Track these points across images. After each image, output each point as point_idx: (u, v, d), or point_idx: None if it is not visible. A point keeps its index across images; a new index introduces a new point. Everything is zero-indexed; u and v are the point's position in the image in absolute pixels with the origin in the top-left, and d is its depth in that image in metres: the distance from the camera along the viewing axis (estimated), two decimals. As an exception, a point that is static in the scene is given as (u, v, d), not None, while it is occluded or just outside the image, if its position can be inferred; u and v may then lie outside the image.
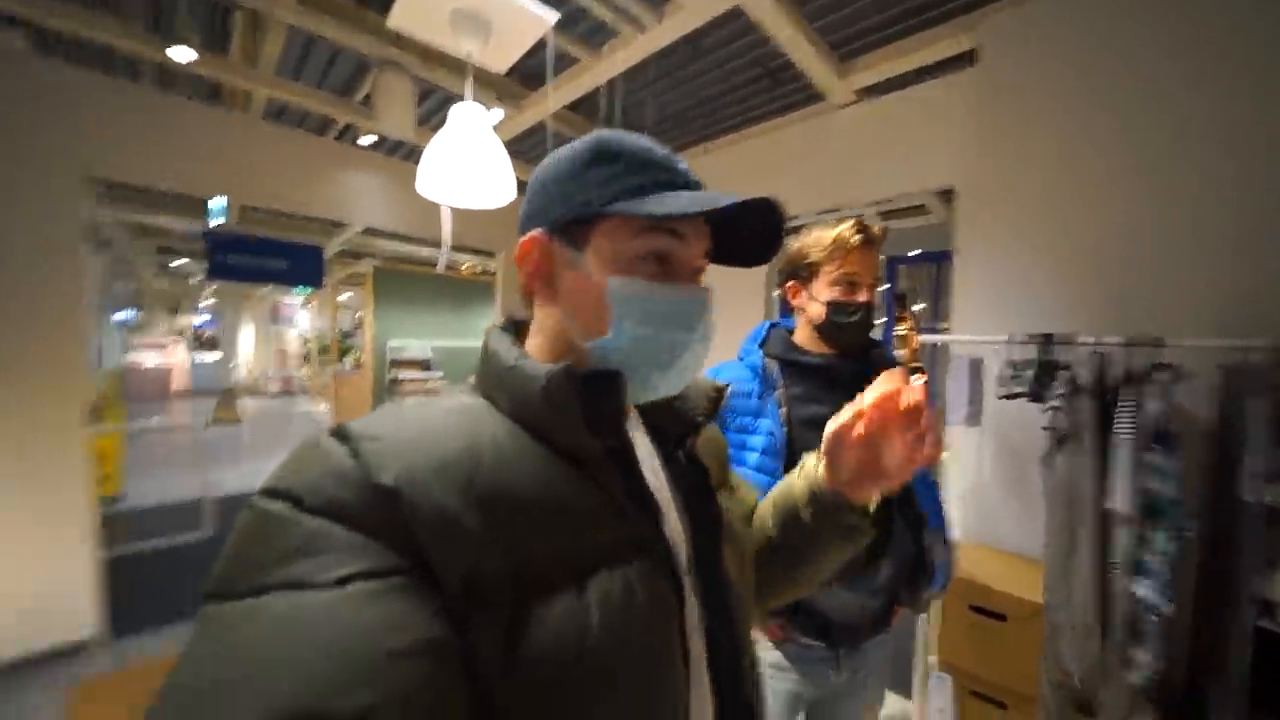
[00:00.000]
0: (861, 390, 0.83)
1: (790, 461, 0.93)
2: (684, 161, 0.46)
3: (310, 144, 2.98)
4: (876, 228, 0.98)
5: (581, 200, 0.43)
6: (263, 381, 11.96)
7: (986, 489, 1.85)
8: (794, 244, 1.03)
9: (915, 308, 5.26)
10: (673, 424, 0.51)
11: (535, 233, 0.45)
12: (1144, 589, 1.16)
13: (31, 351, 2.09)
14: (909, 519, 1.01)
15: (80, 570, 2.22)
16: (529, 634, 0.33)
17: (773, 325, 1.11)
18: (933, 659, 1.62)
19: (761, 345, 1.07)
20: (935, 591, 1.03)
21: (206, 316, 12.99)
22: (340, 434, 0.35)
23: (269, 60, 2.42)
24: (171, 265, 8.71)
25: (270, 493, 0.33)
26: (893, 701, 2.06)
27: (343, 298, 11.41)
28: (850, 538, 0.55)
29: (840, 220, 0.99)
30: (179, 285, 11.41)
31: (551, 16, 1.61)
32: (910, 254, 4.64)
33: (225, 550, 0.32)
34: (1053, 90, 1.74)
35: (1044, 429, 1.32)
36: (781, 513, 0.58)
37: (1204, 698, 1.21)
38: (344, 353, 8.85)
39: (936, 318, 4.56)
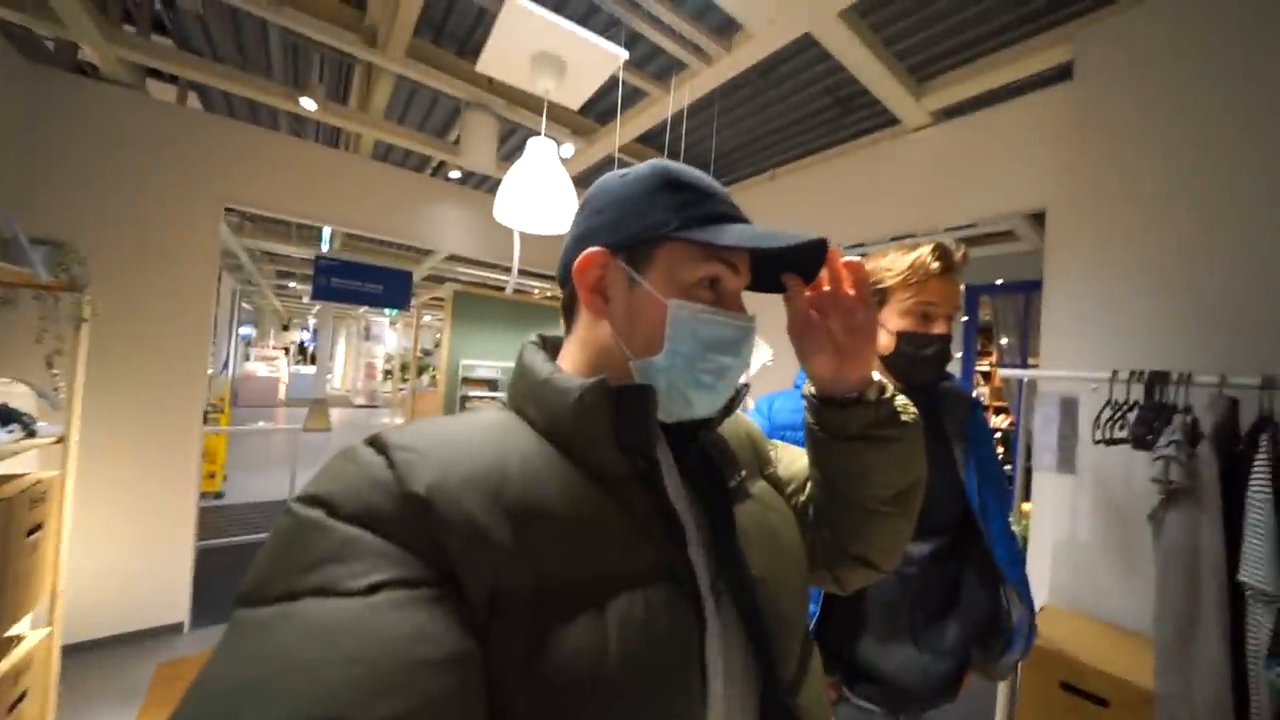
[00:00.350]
0: (934, 433, 0.79)
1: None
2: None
3: (405, 178, 3.30)
4: (959, 253, 0.90)
5: (652, 222, 0.44)
6: (351, 394, 13.06)
7: (1082, 546, 1.63)
8: (866, 266, 0.97)
9: (1001, 342, 4.84)
10: (686, 423, 0.50)
11: (598, 249, 0.45)
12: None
13: (166, 356, 2.43)
14: (982, 572, 0.91)
15: (181, 559, 2.48)
16: (548, 651, 0.33)
17: None
18: (1017, 740, 1.41)
19: None
20: (1014, 657, 0.90)
21: (309, 333, 14.49)
22: (376, 443, 0.36)
23: (378, 107, 2.74)
24: (288, 286, 9.87)
25: (306, 499, 0.33)
26: (969, 785, 1.81)
27: (426, 319, 12.36)
28: (881, 438, 0.52)
29: (918, 244, 0.91)
30: (291, 304, 12.88)
31: (622, 54, 1.70)
32: (995, 283, 4.30)
33: (260, 555, 0.32)
34: (1156, 102, 1.58)
35: (1153, 480, 1.15)
36: (811, 458, 0.57)
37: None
38: (422, 370, 9.50)
39: (1024, 353, 4.15)
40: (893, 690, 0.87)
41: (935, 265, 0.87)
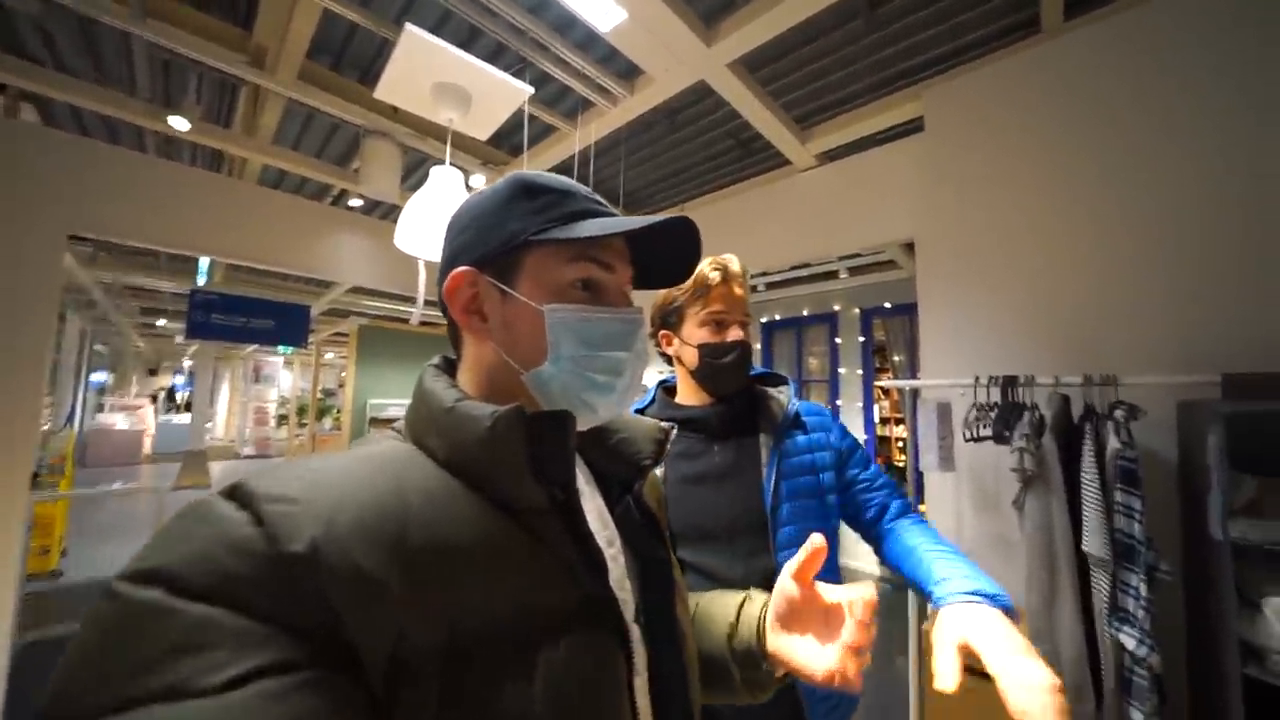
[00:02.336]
0: (745, 435, 0.87)
1: (682, 524, 0.85)
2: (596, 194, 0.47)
3: (300, 206, 3.08)
4: (735, 265, 0.94)
5: (512, 231, 0.43)
6: (237, 443, 11.59)
7: (967, 536, 1.82)
8: (660, 291, 0.95)
9: (894, 359, 5.38)
10: (617, 468, 0.50)
11: (464, 268, 0.44)
12: (1128, 638, 1.11)
13: (-12, 409, 2.03)
14: (763, 585, 0.85)
15: None
16: (464, 712, 0.29)
17: (661, 384, 1.06)
18: (927, 727, 1.51)
19: (644, 409, 1.02)
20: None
21: (183, 378, 12.78)
22: (238, 495, 0.29)
23: (266, 131, 2.56)
24: (157, 325, 8.67)
25: (136, 576, 0.26)
26: (892, 780, 1.90)
27: (328, 356, 11.37)
28: (752, 691, 0.53)
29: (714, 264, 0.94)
30: (162, 345, 11.30)
31: (527, 90, 1.74)
32: (884, 305, 4.81)
33: (71, 656, 0.25)
34: (995, 146, 1.89)
35: (1011, 470, 1.32)
36: (706, 635, 0.55)
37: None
38: (323, 412, 8.68)
39: (913, 367, 4.66)
40: None
41: (714, 275, 0.92)
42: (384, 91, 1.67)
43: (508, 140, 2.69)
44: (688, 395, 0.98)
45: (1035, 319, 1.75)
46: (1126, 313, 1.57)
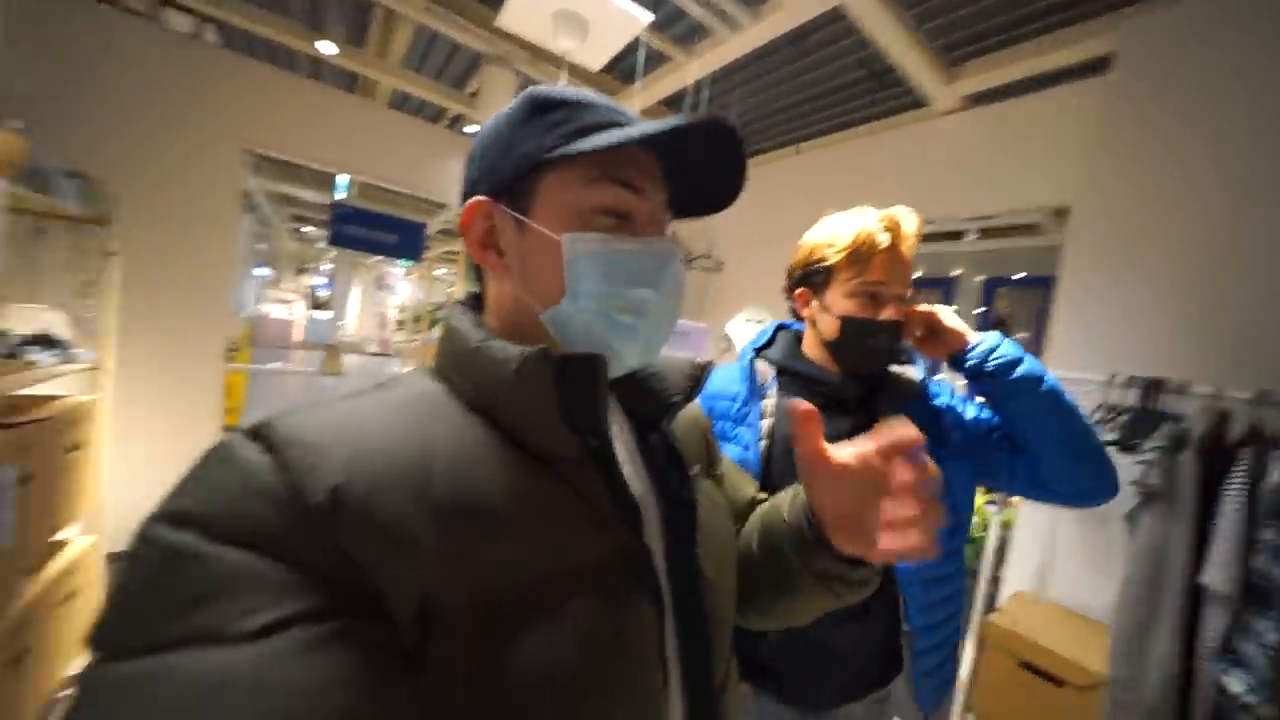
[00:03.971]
0: (870, 416, 0.72)
1: (766, 484, 0.74)
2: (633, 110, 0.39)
3: (421, 130, 3.26)
4: (910, 224, 0.78)
5: (526, 152, 0.38)
6: (365, 341, 13.26)
7: (1059, 539, 1.68)
8: (807, 238, 0.84)
9: (1018, 336, 4.79)
10: (646, 405, 0.46)
11: (478, 198, 0.40)
12: (1236, 682, 1.01)
13: (190, 296, 2.50)
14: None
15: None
16: (498, 665, 0.29)
17: (780, 327, 0.94)
18: (970, 717, 1.51)
19: (762, 348, 0.91)
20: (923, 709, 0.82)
21: (324, 280, 14.58)
22: (261, 436, 0.29)
23: (397, 54, 2.69)
24: (303, 230, 9.90)
25: (172, 517, 0.26)
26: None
27: (439, 272, 12.37)
28: (829, 588, 0.46)
29: (863, 212, 0.80)
30: (306, 249, 12.93)
31: (646, 16, 1.66)
32: (1014, 276, 4.23)
33: (113, 595, 0.25)
34: (1193, 105, 1.52)
35: (1132, 483, 1.18)
36: (766, 534, 0.50)
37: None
38: (434, 323, 9.59)
39: (1039, 349, 4.13)
40: (800, 688, 0.80)
41: (883, 239, 0.76)
42: (507, 18, 1.68)
43: (617, 68, 2.60)
44: (817, 354, 0.85)
45: (1198, 317, 1.47)
46: None
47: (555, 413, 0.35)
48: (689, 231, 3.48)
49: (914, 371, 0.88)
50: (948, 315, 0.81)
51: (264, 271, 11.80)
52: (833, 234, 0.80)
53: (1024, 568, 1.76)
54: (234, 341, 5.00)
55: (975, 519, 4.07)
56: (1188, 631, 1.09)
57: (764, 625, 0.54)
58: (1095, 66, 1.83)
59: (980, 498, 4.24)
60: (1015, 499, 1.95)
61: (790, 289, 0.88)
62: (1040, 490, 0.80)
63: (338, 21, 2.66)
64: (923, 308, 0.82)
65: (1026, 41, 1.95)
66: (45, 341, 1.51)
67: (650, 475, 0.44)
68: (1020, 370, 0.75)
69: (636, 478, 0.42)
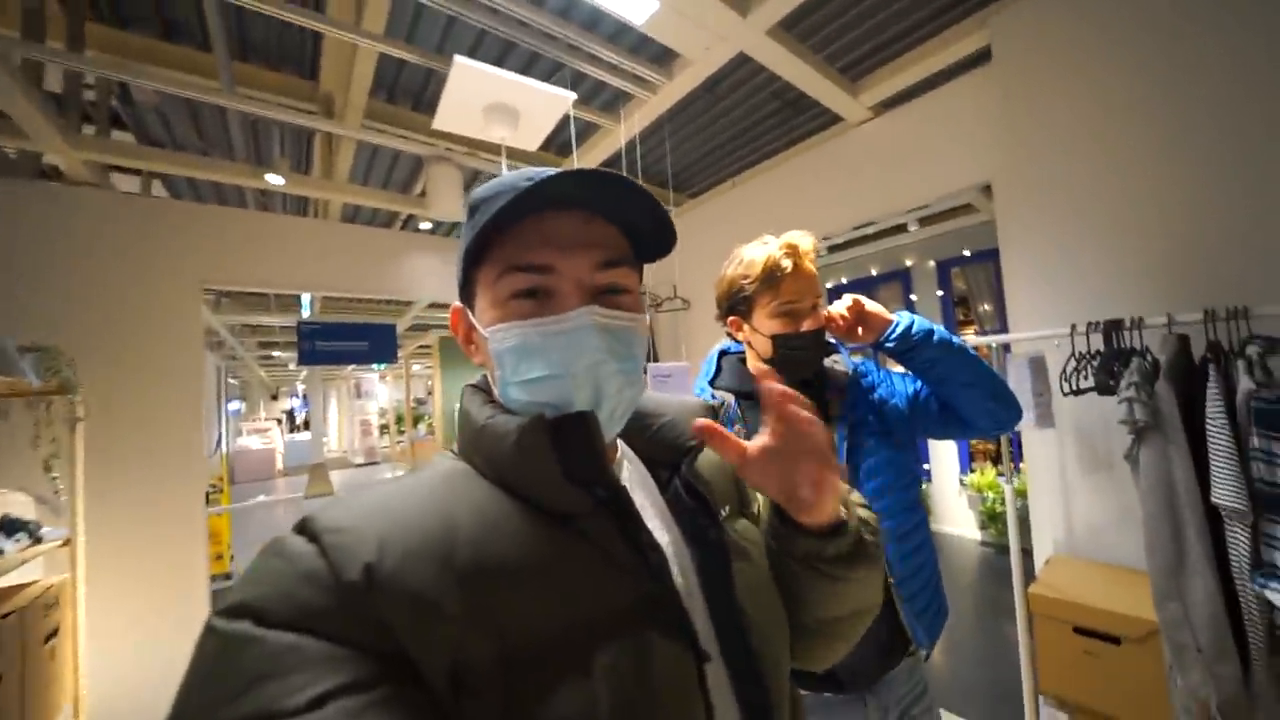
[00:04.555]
0: (823, 411, 0.84)
1: None
2: (551, 170, 0.38)
3: (376, 236, 3.37)
4: (806, 244, 0.91)
5: (462, 258, 0.42)
6: (350, 453, 12.91)
7: (1075, 495, 1.69)
8: (726, 271, 0.97)
9: (981, 309, 4.97)
10: (662, 453, 0.48)
11: (455, 304, 0.46)
12: (1278, 594, 1.01)
13: (162, 444, 2.44)
14: None
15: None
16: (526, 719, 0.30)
17: (722, 353, 1.06)
18: (1043, 699, 1.45)
19: (714, 379, 1.03)
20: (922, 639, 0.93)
21: (299, 400, 14.35)
22: (306, 530, 0.32)
23: (342, 172, 2.82)
24: (274, 355, 9.83)
25: (230, 611, 0.29)
26: (1011, 748, 1.83)
27: (415, 368, 12.33)
28: (817, 569, 0.46)
29: (766, 243, 0.93)
30: (277, 373, 12.79)
31: (569, 96, 1.79)
32: (964, 254, 4.44)
33: (182, 683, 0.28)
34: (1073, 72, 1.70)
35: (1120, 422, 1.22)
36: (764, 540, 0.51)
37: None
38: (417, 420, 9.45)
39: (1002, 317, 4.28)
40: (835, 670, 0.85)
41: (786, 264, 0.89)
42: (441, 121, 1.79)
43: (555, 143, 2.77)
44: (759, 370, 0.98)
45: (1138, 255, 1.57)
46: (1255, 235, 1.37)
47: (558, 473, 0.37)
48: (655, 279, 3.60)
49: (843, 362, 1.01)
50: (868, 302, 0.94)
51: (236, 405, 11.57)
52: (746, 265, 0.93)
53: (1049, 532, 1.76)
54: (215, 482, 4.82)
55: (990, 494, 4.06)
56: (1220, 556, 1.10)
57: (811, 654, 0.52)
58: (980, 58, 2.02)
59: (990, 471, 4.24)
60: (1023, 465, 1.97)
61: (723, 318, 1.01)
62: (967, 429, 0.94)
63: (281, 154, 2.80)
64: (846, 301, 0.94)
65: (912, 49, 2.16)
66: (8, 527, 1.45)
67: (677, 520, 0.45)
68: (936, 336, 0.90)
69: (661, 525, 0.43)
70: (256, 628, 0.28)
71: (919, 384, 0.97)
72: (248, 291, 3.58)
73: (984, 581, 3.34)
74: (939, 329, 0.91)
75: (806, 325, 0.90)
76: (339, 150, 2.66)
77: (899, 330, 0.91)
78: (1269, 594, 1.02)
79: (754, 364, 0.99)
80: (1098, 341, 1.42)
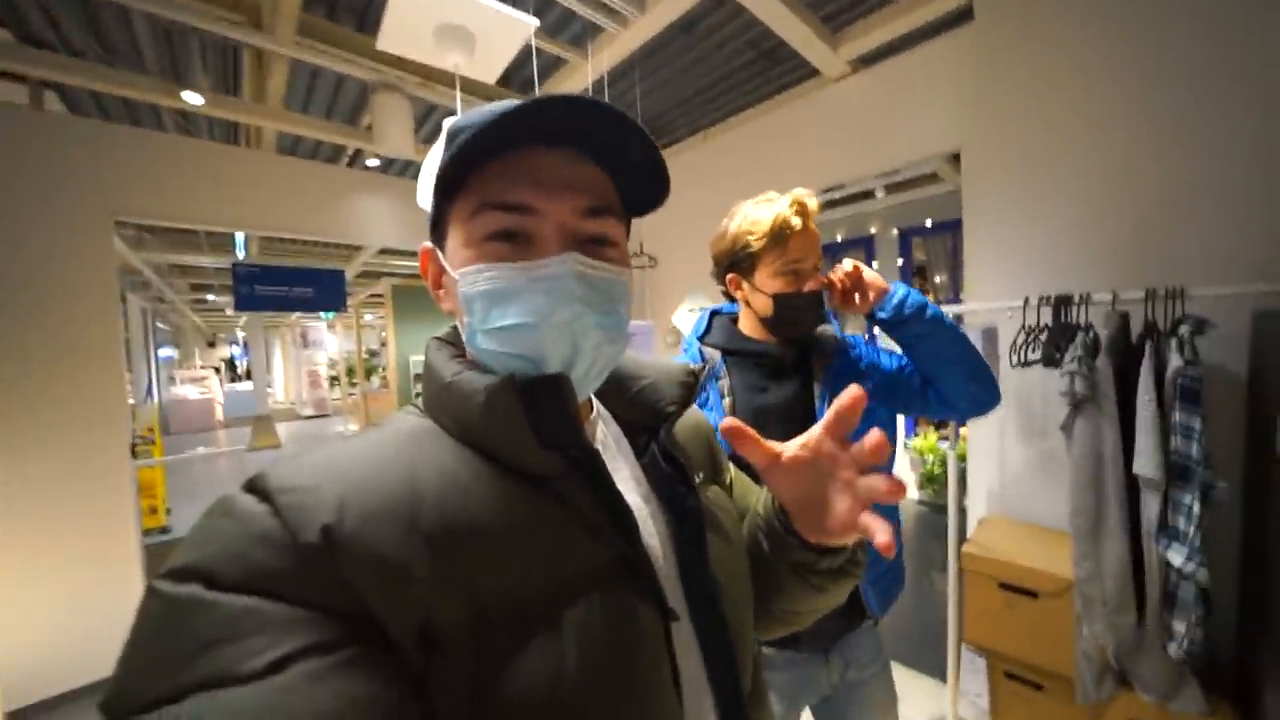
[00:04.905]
0: (808, 375, 0.86)
1: (735, 459, 0.88)
2: (553, 99, 0.35)
3: (319, 171, 3.08)
4: (813, 203, 0.89)
5: (437, 194, 0.39)
6: (297, 405, 12.40)
7: (1011, 461, 1.80)
8: (728, 226, 0.94)
9: (935, 280, 5.12)
10: (642, 417, 0.47)
11: (425, 244, 0.42)
12: (1176, 555, 1.10)
13: (78, 393, 2.23)
14: None
15: (129, 602, 2.32)
16: (498, 682, 0.29)
17: (714, 313, 1.05)
18: (965, 646, 1.58)
19: (703, 336, 1.02)
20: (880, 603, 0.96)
21: (239, 348, 13.56)
22: (257, 488, 0.30)
23: (275, 95, 2.52)
24: (208, 299, 9.13)
25: (176, 574, 0.27)
26: (926, 686, 2.02)
27: (367, 318, 11.77)
28: (805, 579, 0.47)
29: (770, 198, 0.91)
30: (214, 319, 11.94)
31: (532, 22, 1.63)
32: (925, 224, 4.52)
33: (125, 650, 0.26)
34: (1052, 36, 1.67)
35: (1061, 394, 1.27)
36: (749, 534, 0.51)
37: (1253, 666, 1.15)
38: (369, 372, 9.10)
39: (956, 289, 4.43)
40: (806, 634, 0.87)
41: (796, 221, 0.87)
42: (386, 41, 1.60)
43: (516, 78, 2.56)
44: (754, 330, 0.97)
45: (1092, 232, 1.61)
46: (1196, 219, 1.42)
47: (529, 435, 0.36)
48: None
49: (831, 330, 1.00)
50: (866, 270, 0.93)
51: (168, 352, 10.80)
52: (752, 222, 0.90)
53: (984, 494, 1.87)
54: (145, 434, 4.52)
55: (930, 456, 4.32)
56: (1133, 521, 1.19)
57: (770, 631, 0.55)
58: (961, 16, 1.96)
59: (932, 435, 4.50)
60: (964, 430, 2.07)
61: (720, 276, 0.98)
62: (948, 409, 0.95)
63: (203, 70, 2.46)
64: (846, 265, 0.93)
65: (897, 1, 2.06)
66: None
67: (653, 485, 0.45)
68: (929, 311, 0.90)
69: (635, 489, 0.43)
70: (208, 591, 0.26)
71: (904, 360, 0.98)
72: (173, 227, 3.24)
73: (919, 538, 3.60)
74: (931, 304, 0.91)
75: (808, 286, 0.89)
76: (271, 71, 2.36)
77: (894, 300, 0.90)
78: (1170, 554, 1.11)
79: (747, 324, 0.98)
80: (1048, 315, 1.46)
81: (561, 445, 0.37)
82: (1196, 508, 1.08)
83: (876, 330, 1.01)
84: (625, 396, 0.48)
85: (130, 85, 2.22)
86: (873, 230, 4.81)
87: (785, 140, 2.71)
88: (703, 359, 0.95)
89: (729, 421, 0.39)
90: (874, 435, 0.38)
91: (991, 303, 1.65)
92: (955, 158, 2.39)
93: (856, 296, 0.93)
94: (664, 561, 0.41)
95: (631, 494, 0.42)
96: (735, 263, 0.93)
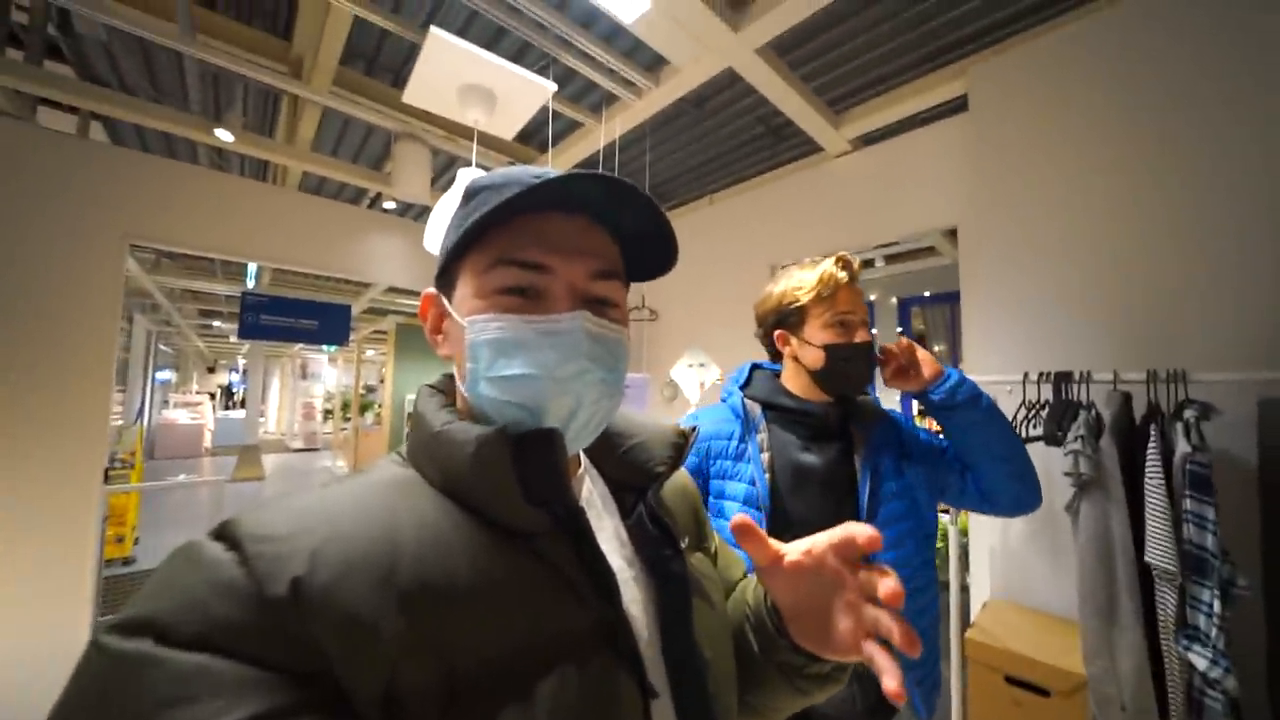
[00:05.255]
0: (848, 439, 0.85)
1: (775, 514, 0.86)
2: (569, 171, 0.38)
3: (337, 210, 3.19)
4: (856, 260, 0.93)
5: (450, 244, 0.40)
6: (287, 437, 12.21)
7: (1014, 543, 1.72)
8: (773, 288, 0.98)
9: (935, 349, 5.16)
10: (630, 476, 0.46)
11: (429, 290, 0.44)
12: (1199, 659, 1.02)
13: (59, 411, 2.18)
14: None
15: (79, 636, 2.17)
16: None
17: (755, 366, 1.05)
18: (971, 739, 1.44)
19: (744, 386, 1.01)
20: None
21: (238, 375, 13.54)
22: (225, 535, 0.29)
23: (305, 138, 2.65)
24: (213, 325, 9.21)
25: (126, 627, 0.25)
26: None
27: (369, 354, 11.82)
28: (791, 682, 0.45)
29: (817, 260, 0.94)
30: (217, 345, 12.00)
31: (551, 87, 1.73)
32: (924, 295, 4.61)
33: (55, 713, 0.24)
34: (1045, 124, 1.76)
35: (1065, 474, 1.23)
36: (735, 617, 0.49)
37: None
38: (365, 408, 9.03)
39: (955, 359, 4.46)
40: None
41: (842, 275, 0.90)
42: (412, 95, 1.69)
43: (535, 137, 2.70)
44: (799, 389, 0.95)
45: (1091, 310, 1.62)
46: (1196, 303, 1.43)
47: (516, 490, 0.35)
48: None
49: (872, 400, 0.99)
50: (921, 350, 0.92)
51: (167, 375, 10.77)
52: (799, 280, 0.93)
53: (987, 574, 1.78)
54: (126, 458, 4.41)
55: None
56: (1149, 614, 1.11)
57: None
58: (959, 105, 2.08)
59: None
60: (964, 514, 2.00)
61: (767, 333, 0.99)
62: (985, 503, 0.92)
63: (243, 114, 2.60)
64: (902, 341, 0.93)
65: (895, 89, 2.20)
66: None
67: (637, 548, 0.43)
68: (984, 400, 0.89)
69: (619, 550, 0.42)
70: (157, 647, 0.25)
71: (946, 443, 0.95)
72: (191, 254, 3.32)
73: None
74: (985, 394, 0.90)
75: (859, 338, 0.90)
76: (303, 116, 2.49)
77: (948, 384, 0.88)
78: (1191, 656, 1.03)
79: (791, 379, 0.97)
80: (1047, 391, 1.45)
81: (548, 501, 0.36)
82: (1217, 606, 1.01)
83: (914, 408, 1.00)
84: (615, 454, 0.47)
85: (167, 119, 2.34)
86: (873, 297, 4.90)
87: (788, 208, 2.82)
88: (745, 410, 0.96)
89: (739, 518, 0.38)
90: (891, 585, 0.34)
91: (991, 376, 1.64)
92: (953, 233, 2.47)
93: (910, 373, 0.91)
94: (646, 631, 0.39)
95: (615, 556, 0.41)
96: (782, 318, 0.95)
